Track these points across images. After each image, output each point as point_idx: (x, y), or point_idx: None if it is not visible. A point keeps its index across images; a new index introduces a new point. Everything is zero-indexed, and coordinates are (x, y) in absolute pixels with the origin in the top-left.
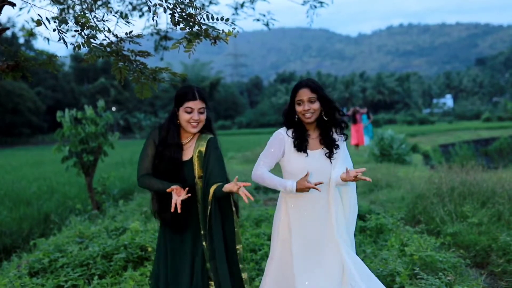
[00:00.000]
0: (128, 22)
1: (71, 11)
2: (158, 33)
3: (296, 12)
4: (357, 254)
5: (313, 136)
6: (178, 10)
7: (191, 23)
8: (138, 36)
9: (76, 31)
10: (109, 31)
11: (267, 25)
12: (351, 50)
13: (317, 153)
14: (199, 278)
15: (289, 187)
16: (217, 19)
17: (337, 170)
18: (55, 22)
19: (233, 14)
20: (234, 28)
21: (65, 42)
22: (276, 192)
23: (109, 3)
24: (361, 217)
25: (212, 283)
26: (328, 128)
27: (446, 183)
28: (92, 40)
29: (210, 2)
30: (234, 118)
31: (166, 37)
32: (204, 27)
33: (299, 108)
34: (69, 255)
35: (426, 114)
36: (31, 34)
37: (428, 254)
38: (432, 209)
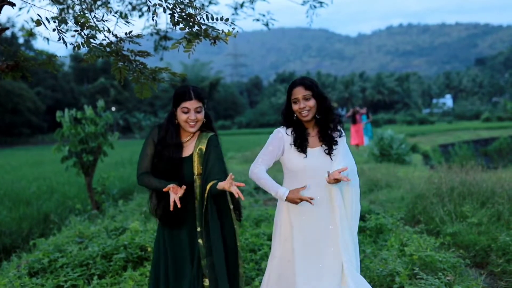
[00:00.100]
0: (127, 22)
1: (70, 11)
2: (157, 33)
3: (295, 12)
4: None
5: (313, 134)
6: (178, 10)
7: (190, 23)
8: (138, 36)
9: (75, 31)
10: (108, 31)
11: (266, 25)
12: (351, 50)
13: (316, 150)
14: (195, 274)
15: (280, 194)
16: (217, 19)
17: (335, 167)
18: (54, 22)
19: (233, 14)
20: (233, 28)
21: (64, 42)
22: None
23: (109, 3)
24: (360, 217)
25: (207, 280)
26: (326, 124)
27: (445, 183)
28: (91, 40)
29: (210, 2)
30: (234, 118)
31: (165, 37)
32: (203, 27)
33: (295, 107)
34: (68, 255)
35: (426, 114)
36: (30, 34)
37: (428, 254)
38: (432, 209)
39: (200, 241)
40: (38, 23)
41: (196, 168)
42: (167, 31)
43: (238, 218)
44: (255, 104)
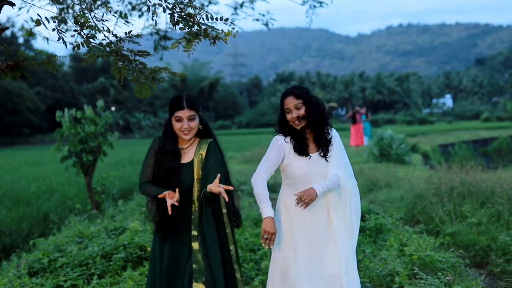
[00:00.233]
0: (127, 22)
1: (70, 10)
2: (157, 33)
3: (295, 12)
4: (356, 254)
5: (310, 140)
6: (178, 10)
7: (190, 23)
8: (138, 36)
9: (75, 30)
10: (108, 31)
11: (266, 25)
12: (351, 50)
13: (315, 156)
14: (186, 278)
15: (262, 213)
16: (217, 19)
17: (332, 169)
18: (54, 21)
19: (233, 14)
20: (233, 28)
21: (64, 42)
22: (275, 192)
23: (109, 3)
24: (360, 217)
25: (198, 285)
26: (320, 129)
27: (445, 183)
28: (91, 40)
29: (210, 2)
30: (234, 118)
31: (165, 37)
32: (203, 27)
33: (288, 116)
34: (68, 255)
35: (426, 114)
36: (30, 34)
37: (427, 254)
38: (432, 209)
39: (195, 244)
40: (38, 22)
41: (196, 173)
42: (166, 31)
43: (235, 223)
44: (255, 104)
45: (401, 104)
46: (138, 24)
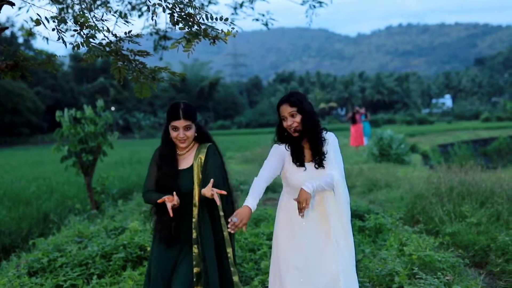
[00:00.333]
0: (127, 22)
1: (70, 10)
2: (157, 32)
3: (295, 12)
4: (356, 254)
5: (306, 148)
6: (177, 9)
7: (190, 23)
8: (137, 35)
9: (75, 30)
10: (108, 30)
11: (266, 25)
12: (350, 50)
13: (310, 166)
14: (187, 283)
15: (245, 202)
16: (216, 19)
17: (327, 172)
18: (54, 21)
19: (232, 14)
20: (233, 28)
21: (64, 42)
22: (275, 192)
23: (108, 2)
24: (360, 216)
25: None
26: (315, 138)
27: (445, 183)
28: (91, 40)
29: (209, 2)
30: (234, 118)
31: (165, 37)
32: (203, 26)
33: (284, 124)
34: (68, 254)
35: (425, 114)
36: (30, 34)
37: (427, 254)
38: (431, 209)
39: (195, 248)
40: (38, 22)
41: (197, 177)
42: (166, 31)
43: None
44: (255, 104)
45: (401, 104)
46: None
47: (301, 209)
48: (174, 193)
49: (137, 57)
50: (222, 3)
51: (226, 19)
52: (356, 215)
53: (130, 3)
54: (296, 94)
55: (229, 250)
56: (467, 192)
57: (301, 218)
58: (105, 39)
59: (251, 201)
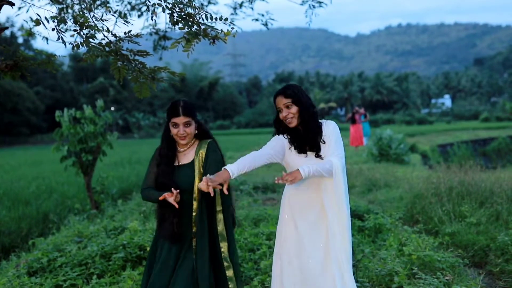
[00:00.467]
0: (127, 22)
1: (70, 10)
2: (157, 32)
3: (294, 12)
4: (355, 253)
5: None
6: (177, 9)
7: (190, 23)
8: (137, 35)
9: (75, 30)
10: (108, 30)
11: (265, 25)
12: (350, 50)
13: (311, 154)
14: (184, 276)
15: (227, 166)
16: (216, 19)
17: (328, 156)
18: (54, 21)
19: (232, 14)
20: (233, 28)
21: (64, 42)
22: (274, 192)
23: (108, 2)
24: (359, 216)
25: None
26: (311, 130)
27: (444, 183)
28: (91, 40)
29: (209, 2)
30: (233, 118)
31: (165, 37)
32: (202, 26)
33: (280, 116)
34: (67, 254)
35: (425, 114)
36: (30, 34)
37: (427, 253)
38: (431, 209)
39: (194, 241)
40: (37, 22)
41: (198, 172)
42: (166, 31)
43: (231, 222)
44: (254, 104)
45: (400, 104)
46: (138, 24)
47: (282, 179)
48: (172, 189)
49: (136, 57)
50: (222, 3)
51: (226, 19)
52: (355, 215)
53: (129, 3)
54: (292, 86)
55: (223, 244)
56: (467, 192)
57: (305, 212)
58: (104, 39)
59: (233, 166)
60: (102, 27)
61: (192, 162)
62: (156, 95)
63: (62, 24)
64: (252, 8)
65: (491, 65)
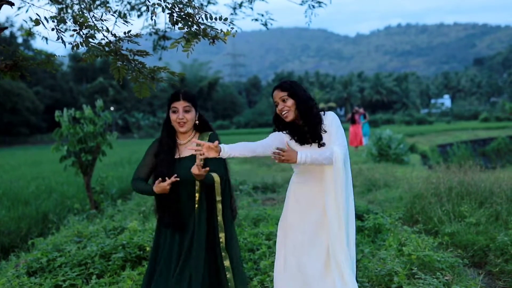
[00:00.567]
0: (126, 22)
1: (69, 10)
2: (156, 32)
3: (294, 12)
4: (356, 254)
5: (306, 130)
6: (177, 9)
7: (189, 23)
8: (137, 35)
9: (74, 30)
10: (107, 30)
11: (265, 25)
12: (349, 50)
13: (314, 146)
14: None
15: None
16: (216, 19)
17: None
18: (53, 21)
19: (232, 14)
20: (232, 28)
21: (63, 42)
22: (274, 192)
23: (108, 2)
24: (359, 216)
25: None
26: (309, 122)
27: (444, 183)
28: (90, 40)
29: (209, 2)
30: (233, 118)
31: (164, 37)
32: (202, 26)
33: (277, 110)
34: (67, 254)
35: (424, 114)
36: (29, 34)
37: (426, 254)
38: (430, 209)
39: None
40: (37, 22)
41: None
42: (165, 31)
43: (231, 214)
44: (254, 104)
45: (400, 104)
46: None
47: (275, 156)
48: (167, 178)
49: (136, 57)
50: (221, 3)
51: (226, 19)
52: (355, 215)
53: (129, 3)
54: (288, 80)
55: (221, 235)
56: (466, 192)
57: (309, 203)
58: (104, 39)
59: (225, 145)
60: (102, 27)
61: (194, 154)
62: (156, 95)
63: (62, 24)
64: (251, 8)
65: (490, 65)
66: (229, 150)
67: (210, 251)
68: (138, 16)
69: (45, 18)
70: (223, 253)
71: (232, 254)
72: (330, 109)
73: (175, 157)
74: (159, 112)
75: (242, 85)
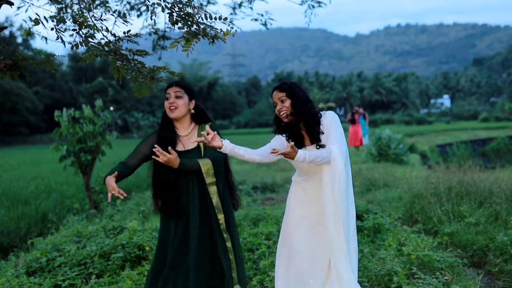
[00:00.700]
0: (126, 22)
1: (69, 10)
2: (156, 32)
3: (294, 12)
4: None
5: (304, 132)
6: (176, 9)
7: (189, 23)
8: (136, 35)
9: (74, 30)
10: (107, 30)
11: (265, 25)
12: (349, 50)
13: (312, 147)
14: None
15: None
16: (215, 19)
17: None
18: (53, 21)
19: (231, 13)
20: (232, 28)
21: (63, 41)
22: (273, 192)
23: (107, 2)
24: (358, 216)
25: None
26: (307, 123)
27: (443, 183)
28: (90, 39)
29: (208, 2)
30: (232, 118)
31: (164, 37)
32: (202, 26)
33: (276, 110)
34: (66, 254)
35: (424, 114)
36: (29, 34)
37: (426, 253)
38: (430, 209)
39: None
40: (37, 22)
41: (204, 154)
42: (165, 31)
43: (232, 203)
44: (253, 104)
45: (399, 104)
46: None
47: (276, 150)
48: (160, 147)
49: (136, 57)
50: (221, 3)
51: (225, 19)
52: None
53: (129, 2)
54: (288, 81)
55: (221, 216)
56: (466, 192)
57: (310, 201)
58: (104, 39)
59: (228, 142)
60: (101, 27)
61: (198, 147)
62: (155, 95)
63: (61, 24)
64: (251, 8)
65: (490, 65)
66: (230, 147)
67: (212, 235)
68: (138, 15)
69: (44, 17)
70: (224, 235)
71: (232, 235)
72: (329, 109)
73: (179, 149)
74: (159, 112)
75: (241, 85)
